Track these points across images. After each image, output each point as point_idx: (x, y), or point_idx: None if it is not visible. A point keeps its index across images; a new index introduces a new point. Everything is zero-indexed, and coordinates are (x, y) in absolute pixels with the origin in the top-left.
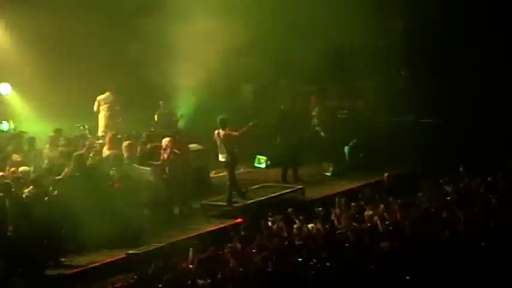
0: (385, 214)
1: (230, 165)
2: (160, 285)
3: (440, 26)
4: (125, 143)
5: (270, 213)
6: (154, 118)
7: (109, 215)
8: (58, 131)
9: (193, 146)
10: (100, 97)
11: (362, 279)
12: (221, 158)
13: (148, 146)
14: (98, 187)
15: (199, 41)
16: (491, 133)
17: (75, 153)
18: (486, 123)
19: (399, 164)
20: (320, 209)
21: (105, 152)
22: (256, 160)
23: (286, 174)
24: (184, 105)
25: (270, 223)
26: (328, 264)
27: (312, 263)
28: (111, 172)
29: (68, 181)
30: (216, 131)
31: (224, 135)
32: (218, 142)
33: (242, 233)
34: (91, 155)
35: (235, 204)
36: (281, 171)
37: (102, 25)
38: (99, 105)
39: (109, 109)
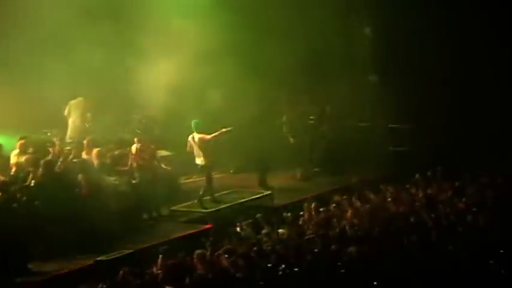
0: (354, 220)
1: (207, 168)
2: None
3: (410, 30)
4: (95, 150)
5: (238, 220)
6: (129, 124)
7: (77, 221)
8: (26, 138)
9: (162, 152)
10: (72, 102)
11: (330, 284)
12: (198, 161)
13: (117, 152)
14: (67, 194)
15: (166, 46)
16: (461, 138)
17: (44, 160)
18: (456, 128)
19: (368, 168)
20: (289, 214)
21: (84, 156)
22: None
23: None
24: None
25: (238, 229)
26: (296, 269)
27: (280, 269)
28: (79, 178)
29: (36, 187)
30: (191, 135)
31: (199, 139)
32: (194, 146)
33: (211, 238)
34: (61, 159)
35: (205, 210)
36: (254, 176)
37: (68, 29)
38: (70, 110)
39: (80, 114)
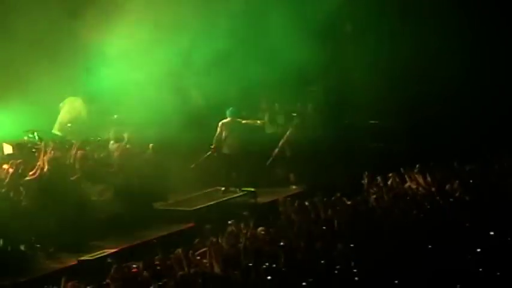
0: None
1: None
2: None
3: (393, 25)
4: (78, 154)
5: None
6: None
7: (59, 222)
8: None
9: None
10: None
11: (315, 281)
12: None
13: (102, 154)
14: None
15: (148, 46)
16: (443, 133)
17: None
18: (437, 124)
19: (350, 165)
20: (271, 211)
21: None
22: None
23: None
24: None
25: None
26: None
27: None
28: None
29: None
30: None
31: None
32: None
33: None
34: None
35: (186, 208)
36: None
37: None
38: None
39: (70, 112)
